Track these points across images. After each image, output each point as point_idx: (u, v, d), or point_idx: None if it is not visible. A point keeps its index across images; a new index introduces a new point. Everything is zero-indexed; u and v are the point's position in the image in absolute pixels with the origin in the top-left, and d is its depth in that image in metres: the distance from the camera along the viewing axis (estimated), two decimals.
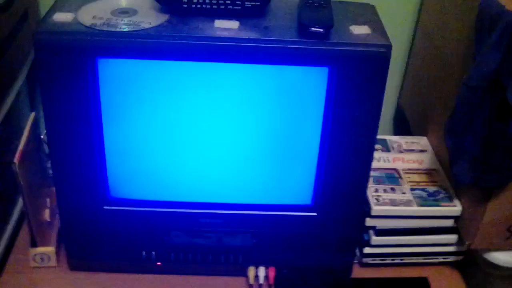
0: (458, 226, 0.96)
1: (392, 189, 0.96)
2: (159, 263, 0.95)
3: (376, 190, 0.95)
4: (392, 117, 1.31)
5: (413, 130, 1.17)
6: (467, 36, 0.89)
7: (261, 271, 0.95)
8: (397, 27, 1.20)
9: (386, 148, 1.06)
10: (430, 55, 1.10)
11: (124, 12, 0.79)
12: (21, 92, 1.04)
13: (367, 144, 0.83)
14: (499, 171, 0.83)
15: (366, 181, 0.87)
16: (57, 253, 0.97)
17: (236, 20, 0.78)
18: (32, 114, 0.97)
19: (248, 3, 0.78)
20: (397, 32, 1.20)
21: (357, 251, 0.98)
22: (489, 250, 0.95)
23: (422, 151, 1.06)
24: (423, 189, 0.96)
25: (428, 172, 1.01)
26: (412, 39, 1.22)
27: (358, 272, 0.99)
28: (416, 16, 1.19)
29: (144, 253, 0.93)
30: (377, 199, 0.93)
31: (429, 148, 1.07)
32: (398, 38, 1.21)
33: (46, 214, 1.00)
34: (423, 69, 1.14)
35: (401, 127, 1.27)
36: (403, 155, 1.04)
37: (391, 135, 1.18)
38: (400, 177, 0.99)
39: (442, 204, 0.94)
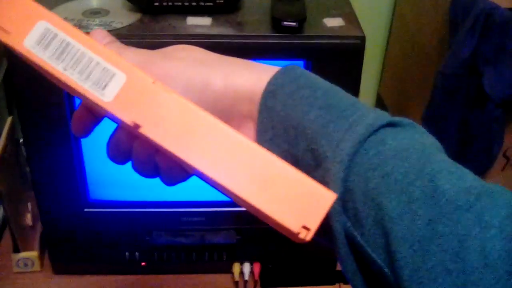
0: None
1: None
2: (143, 264, 0.94)
3: None
4: (373, 107, 1.31)
5: None
6: (442, 24, 0.89)
7: (246, 267, 0.95)
8: (374, 17, 1.20)
9: None
10: (407, 44, 1.10)
11: (96, 12, 0.79)
12: None
13: None
14: (478, 159, 0.83)
15: None
16: (41, 257, 0.97)
17: (209, 16, 0.77)
18: (10, 118, 0.96)
19: None
20: (375, 22, 1.20)
21: None
22: None
23: None
24: None
25: None
26: (389, 29, 1.22)
27: None
28: (393, 5, 1.19)
29: (127, 254, 0.93)
30: None
31: None
32: (376, 28, 1.21)
33: (28, 219, 0.99)
34: (401, 58, 1.14)
35: None
36: None
37: None
38: None
39: None
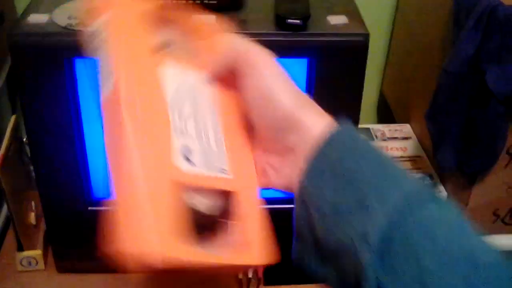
0: None
1: None
2: None
3: None
4: (376, 105, 1.31)
5: (396, 118, 1.17)
6: (445, 21, 0.89)
7: None
8: (377, 15, 1.20)
9: (370, 137, 1.06)
10: (410, 42, 1.10)
11: None
12: (1, 94, 1.03)
13: None
14: (482, 156, 0.83)
15: None
16: (45, 256, 0.97)
17: (212, 14, 0.77)
18: (13, 117, 0.96)
19: None
20: (378, 20, 1.20)
21: None
22: None
23: (405, 138, 1.06)
24: None
25: (413, 159, 1.01)
26: (392, 26, 1.22)
27: None
28: (395, 2, 1.19)
29: None
30: None
31: (412, 135, 1.07)
32: (379, 25, 1.21)
33: (32, 218, 0.99)
34: (404, 56, 1.14)
35: (385, 115, 1.27)
36: (386, 143, 1.05)
37: (375, 123, 1.19)
38: None
39: None
